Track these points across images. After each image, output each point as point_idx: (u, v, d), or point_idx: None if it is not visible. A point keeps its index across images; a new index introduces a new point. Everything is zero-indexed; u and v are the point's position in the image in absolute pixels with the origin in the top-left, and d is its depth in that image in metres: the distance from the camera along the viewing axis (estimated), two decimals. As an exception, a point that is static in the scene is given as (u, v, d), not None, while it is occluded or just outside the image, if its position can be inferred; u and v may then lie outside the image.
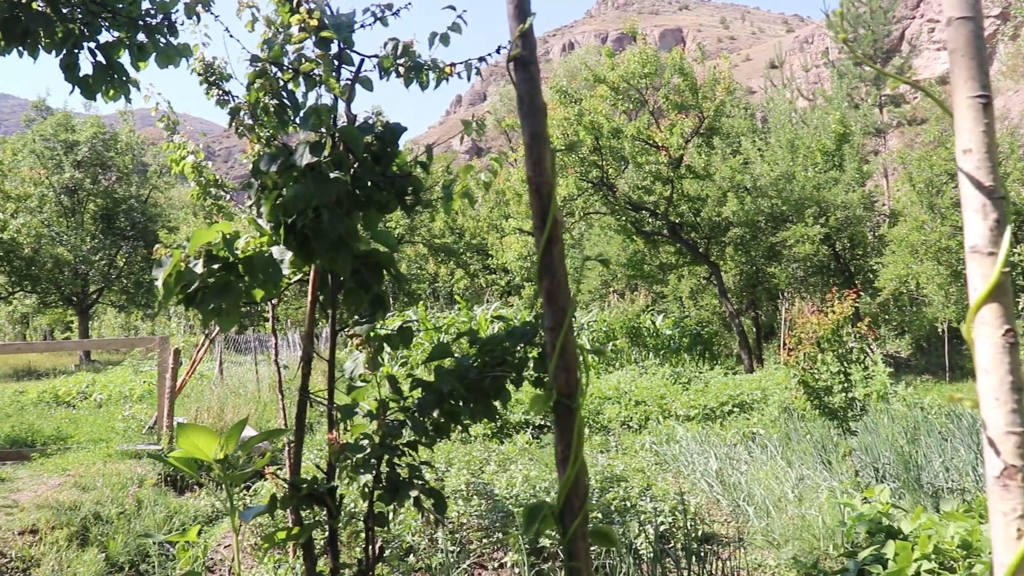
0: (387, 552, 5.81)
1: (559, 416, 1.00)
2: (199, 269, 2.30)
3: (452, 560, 6.14)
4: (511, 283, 36.72)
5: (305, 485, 2.51)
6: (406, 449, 2.38)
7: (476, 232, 39.78)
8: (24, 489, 8.02)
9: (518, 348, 2.60)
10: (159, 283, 2.32)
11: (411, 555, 6.25)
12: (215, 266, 2.31)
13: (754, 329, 23.66)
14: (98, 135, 35.10)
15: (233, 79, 7.65)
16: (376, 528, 2.43)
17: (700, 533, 6.85)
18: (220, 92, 7.41)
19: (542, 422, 12.12)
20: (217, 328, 12.52)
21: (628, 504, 7.28)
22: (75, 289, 34.11)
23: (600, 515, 6.92)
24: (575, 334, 2.80)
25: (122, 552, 6.49)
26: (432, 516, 2.34)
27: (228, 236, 2.30)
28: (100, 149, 35.01)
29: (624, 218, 21.75)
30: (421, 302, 26.83)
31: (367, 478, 2.34)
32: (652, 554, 6.16)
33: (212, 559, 6.60)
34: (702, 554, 5.96)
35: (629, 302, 23.65)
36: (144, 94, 6.10)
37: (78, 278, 33.71)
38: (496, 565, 6.44)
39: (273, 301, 5.97)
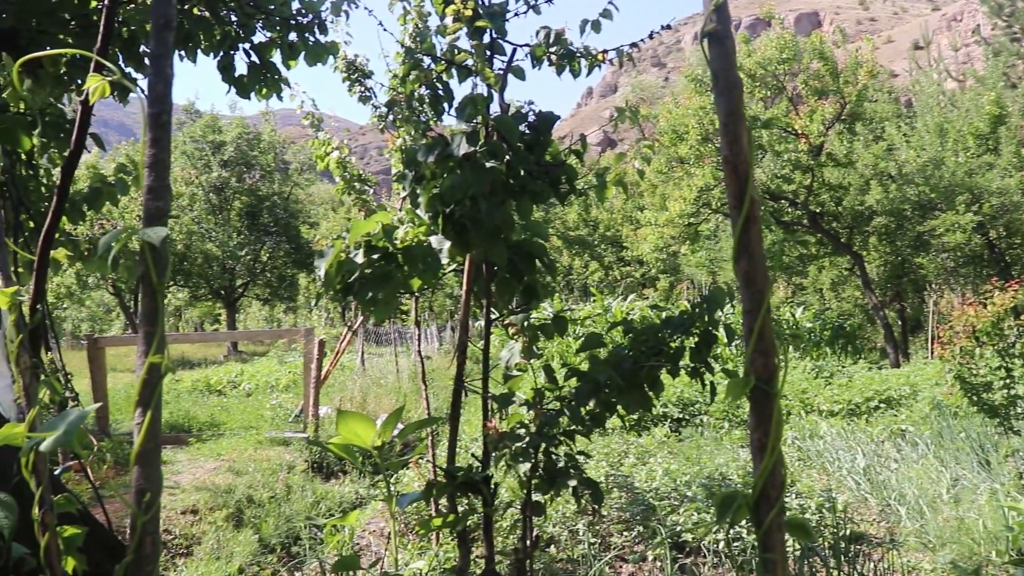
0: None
1: (756, 402, 0.96)
2: (359, 259, 2.35)
3: (593, 552, 6.12)
4: (646, 275, 36.42)
5: (461, 473, 2.54)
6: (563, 439, 2.37)
7: (610, 224, 39.57)
8: (183, 472, 8.41)
9: (674, 338, 2.56)
10: (321, 272, 2.37)
11: (552, 546, 6.27)
12: (374, 256, 2.35)
13: (899, 322, 22.77)
14: (242, 135, 36.53)
15: (374, 75, 7.80)
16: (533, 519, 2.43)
17: (848, 532, 6.62)
18: (362, 88, 7.57)
19: (680, 415, 11.97)
20: (359, 320, 12.86)
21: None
22: (223, 283, 35.61)
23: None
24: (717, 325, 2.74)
25: (273, 534, 6.73)
26: (589, 506, 2.33)
27: (387, 227, 2.34)
28: (244, 149, 36.43)
29: (762, 208, 21.24)
30: (556, 295, 26.88)
31: (526, 467, 2.34)
32: (798, 552, 6.00)
33: (358, 543, 6.77)
34: (851, 554, 5.76)
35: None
36: (290, 93, 6.27)
37: (226, 273, 35.19)
38: (637, 558, 6.39)
39: (416, 294, 6.08)
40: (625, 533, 6.69)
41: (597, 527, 6.71)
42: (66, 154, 2.12)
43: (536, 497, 2.43)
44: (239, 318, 48.00)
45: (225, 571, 5.74)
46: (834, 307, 24.40)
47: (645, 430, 11.34)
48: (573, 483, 2.35)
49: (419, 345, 6.26)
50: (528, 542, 2.41)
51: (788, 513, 6.24)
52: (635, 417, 11.73)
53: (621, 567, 6.26)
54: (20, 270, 3.32)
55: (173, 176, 35.68)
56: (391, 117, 6.58)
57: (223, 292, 36.40)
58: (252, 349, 33.65)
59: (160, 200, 1.05)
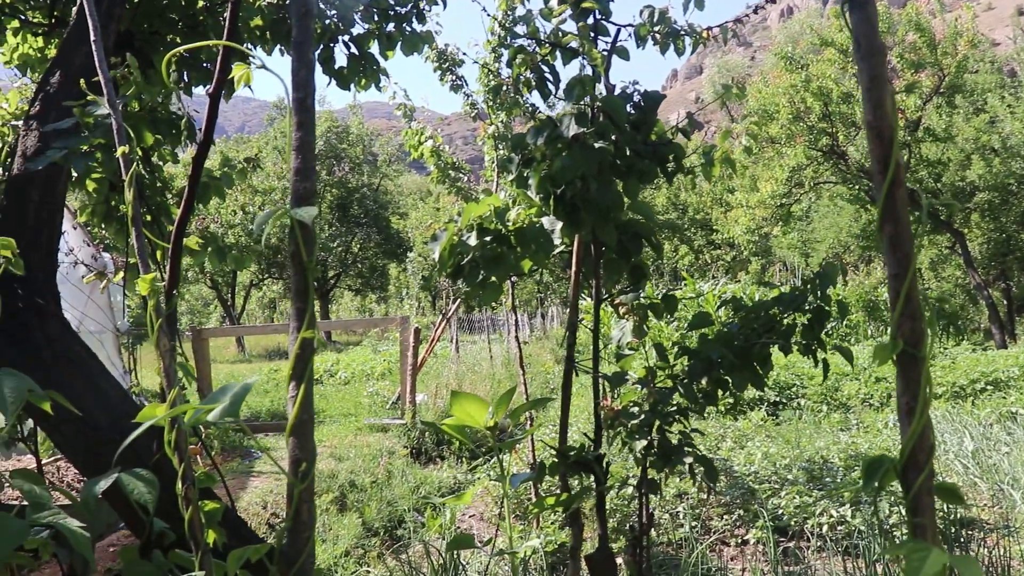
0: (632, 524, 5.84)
1: (904, 366, 0.96)
2: (472, 241, 2.39)
3: (694, 535, 6.09)
4: (737, 258, 35.90)
5: (573, 452, 2.56)
6: (678, 416, 2.38)
7: (699, 207, 39.13)
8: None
9: (786, 314, 2.54)
10: (436, 255, 2.42)
11: (652, 529, 6.26)
12: (487, 238, 2.39)
13: (1005, 301, 21.98)
14: (331, 128, 37.15)
15: (464, 64, 7.86)
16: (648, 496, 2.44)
17: (958, 516, 6.46)
18: (454, 77, 7.63)
19: (776, 398, 11.80)
20: (453, 308, 13.00)
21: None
22: (316, 274, 36.23)
23: (846, 493, 6.66)
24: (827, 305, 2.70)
25: (376, 518, 6.87)
26: (704, 484, 2.33)
27: (499, 209, 2.37)
28: (334, 142, 37.05)
29: (857, 187, 20.72)
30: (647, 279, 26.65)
31: (642, 444, 2.36)
32: (904, 536, 5.86)
33: (459, 527, 6.86)
34: (963, 539, 5.61)
35: (864, 275, 22.55)
36: (383, 85, 6.37)
37: (318, 264, 35.88)
38: (738, 542, 6.34)
39: (512, 280, 6.13)
40: (725, 517, 6.64)
41: (697, 511, 6.68)
42: (194, 145, 2.21)
43: (652, 474, 2.44)
44: (332, 309, 48.94)
45: (332, 553, 5.89)
46: (934, 287, 23.70)
47: (741, 414, 11.22)
48: (689, 460, 2.35)
49: (516, 331, 6.30)
50: (644, 520, 2.43)
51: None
52: (731, 401, 11.62)
53: (723, 550, 6.22)
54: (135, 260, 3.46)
55: (266, 171, 36.51)
56: (487, 103, 6.62)
57: (316, 283, 37.06)
58: (346, 339, 34.29)
59: (307, 181, 1.09)
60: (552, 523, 6.18)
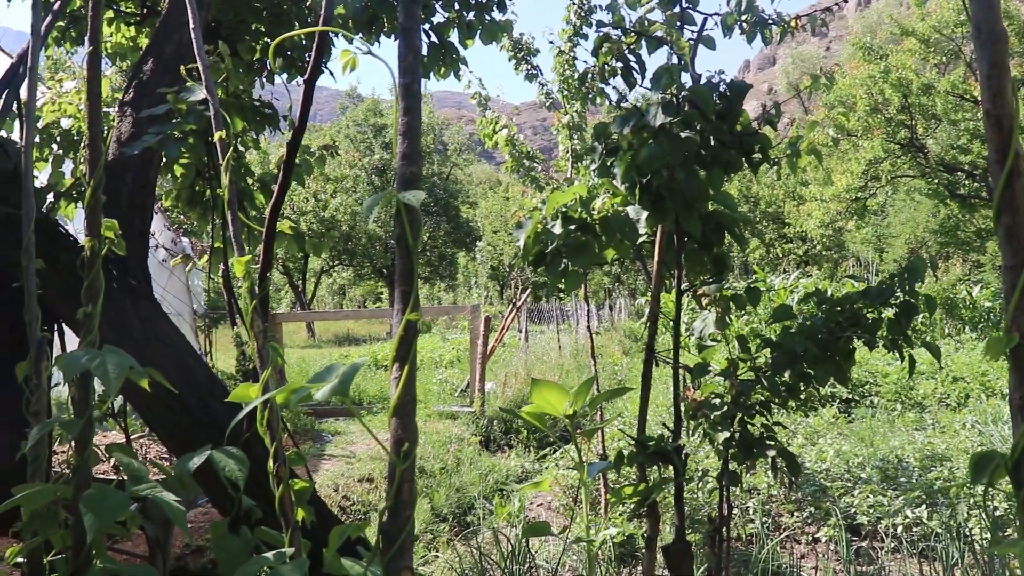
0: (697, 517, 5.81)
1: (1018, 361, 0.94)
2: (557, 230, 2.39)
3: (765, 531, 6.03)
4: (809, 252, 35.33)
5: (652, 443, 2.56)
6: (760, 409, 2.36)
7: (771, 200, 38.58)
8: (357, 442, 8.77)
9: (872, 308, 2.50)
10: (520, 244, 2.44)
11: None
12: (571, 227, 2.39)
13: (1090, 301, 21.25)
14: (403, 118, 37.40)
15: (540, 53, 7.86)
16: (730, 488, 2.43)
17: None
18: (528, 66, 7.63)
19: (850, 396, 11.59)
20: (523, 297, 13.03)
21: (954, 484, 6.79)
22: (386, 262, 36.68)
23: (923, 494, 6.53)
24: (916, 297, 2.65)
25: (445, 504, 6.94)
26: (785, 478, 2.31)
27: (585, 198, 2.38)
28: (405, 131, 37.30)
29: (936, 180, 20.23)
30: (729, 270, 26.35)
31: (724, 435, 2.35)
32: (988, 540, 5.73)
33: (527, 515, 6.89)
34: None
35: (943, 271, 22.01)
36: (460, 73, 6.41)
37: (388, 252, 36.22)
38: (810, 539, 6.26)
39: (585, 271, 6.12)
40: (796, 514, 6.56)
41: (768, 507, 6.61)
42: (289, 133, 2.26)
43: (733, 467, 2.43)
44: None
45: (402, 537, 5.96)
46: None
47: (813, 411, 11.05)
48: (772, 453, 2.33)
49: (588, 320, 6.30)
50: (724, 512, 2.42)
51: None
52: (802, 397, 11.45)
53: (793, 548, 6.15)
54: (219, 245, 3.53)
55: (338, 159, 36.94)
56: (561, 93, 6.61)
57: (385, 271, 37.49)
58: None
59: (414, 165, 1.11)
60: (621, 515, 6.17)
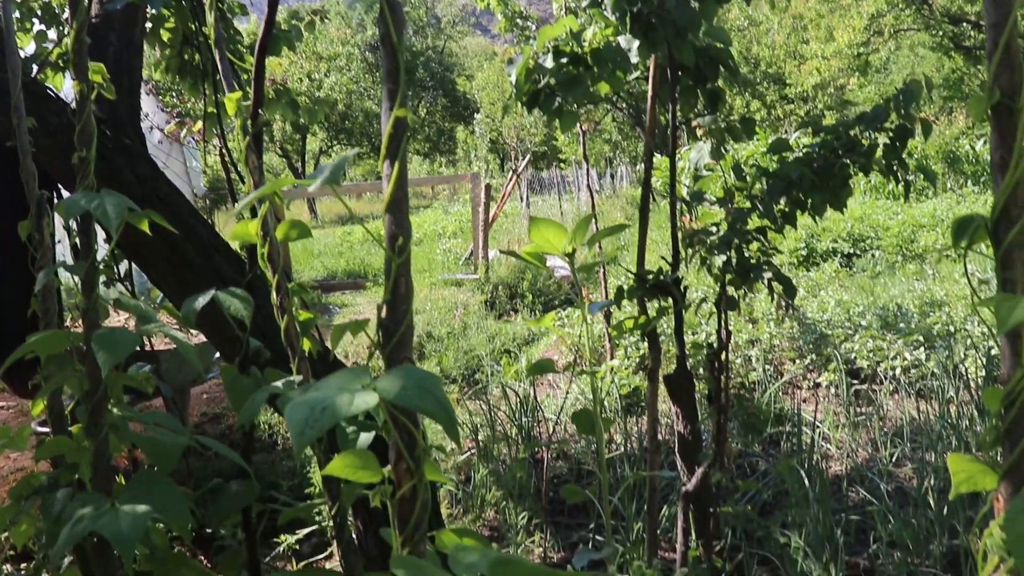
0: (699, 357, 5.92)
1: (999, 118, 0.95)
2: (549, 63, 2.37)
3: (767, 378, 6.16)
4: (811, 112, 34.88)
5: (651, 276, 2.59)
6: (756, 235, 2.39)
7: (772, 61, 37.82)
8: (364, 312, 8.89)
9: (867, 134, 2.50)
10: (512, 79, 2.42)
11: (725, 371, 6.34)
12: (563, 60, 2.37)
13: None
14: (394, -10, 36.48)
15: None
16: (728, 313, 2.48)
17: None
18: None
19: (851, 251, 11.65)
20: (523, 164, 12.97)
21: (952, 329, 6.90)
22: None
23: (921, 338, 6.63)
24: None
25: (454, 366, 7.07)
26: (783, 302, 2.34)
27: (574, 31, 2.35)
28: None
29: (940, 33, 19.80)
30: (724, 103, 26.07)
31: (721, 259, 2.38)
32: (983, 377, 5.86)
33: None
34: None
35: (946, 125, 21.77)
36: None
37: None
38: (811, 385, 6.40)
39: (583, 129, 6.08)
40: (798, 361, 6.69)
41: (770, 356, 6.73)
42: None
43: (731, 292, 2.47)
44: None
45: (413, 398, 6.09)
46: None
47: (815, 265, 11.14)
48: (768, 275, 2.37)
49: (587, 180, 6.30)
50: (722, 336, 2.47)
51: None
52: (803, 253, 11.52)
53: (795, 393, 6.29)
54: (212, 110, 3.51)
55: (329, 37, 36.18)
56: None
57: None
58: (416, 203, 34.53)
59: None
60: (626, 368, 6.29)
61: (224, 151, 2.95)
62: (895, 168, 2.54)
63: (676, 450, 2.55)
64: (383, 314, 1.12)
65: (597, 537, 3.79)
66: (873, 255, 11.40)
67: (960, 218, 1.01)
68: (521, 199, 17.68)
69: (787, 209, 2.44)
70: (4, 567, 3.59)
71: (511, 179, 12.68)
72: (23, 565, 3.66)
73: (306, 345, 1.90)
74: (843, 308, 7.69)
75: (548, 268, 10.20)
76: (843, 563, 3.51)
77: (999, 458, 1.03)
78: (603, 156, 37.12)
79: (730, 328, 2.41)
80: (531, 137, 28.79)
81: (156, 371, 4.19)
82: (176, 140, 10.87)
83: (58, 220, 2.68)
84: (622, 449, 4.80)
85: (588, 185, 6.07)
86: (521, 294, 9.44)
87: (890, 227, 12.27)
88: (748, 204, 2.45)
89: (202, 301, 2.01)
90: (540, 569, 1.09)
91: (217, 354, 4.91)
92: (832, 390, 6.16)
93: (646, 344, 2.63)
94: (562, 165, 31.10)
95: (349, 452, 1.27)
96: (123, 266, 3.43)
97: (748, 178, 2.45)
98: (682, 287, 2.58)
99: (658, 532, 3.47)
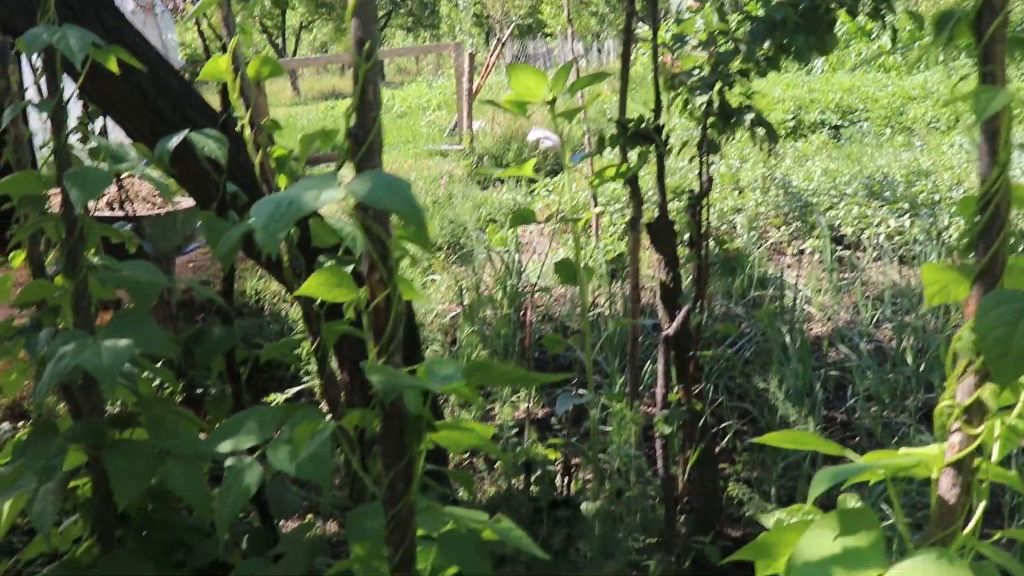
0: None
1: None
2: None
3: (751, 244, 6.18)
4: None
5: (632, 123, 2.56)
6: (738, 77, 2.35)
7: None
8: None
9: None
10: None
11: (708, 232, 6.35)
12: None
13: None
14: None
15: None
16: (709, 156, 2.46)
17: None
18: None
19: (839, 122, 11.56)
20: (507, 33, 12.69)
21: (937, 197, 6.91)
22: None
23: (906, 205, 6.65)
24: None
25: (439, 235, 7.06)
26: (766, 147, 2.32)
27: None
28: None
29: None
30: None
31: (703, 99, 2.35)
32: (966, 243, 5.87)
33: (520, 241, 7.00)
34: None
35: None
36: None
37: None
38: (795, 251, 6.44)
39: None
40: (783, 228, 6.71)
41: (755, 223, 6.74)
42: None
43: (712, 135, 2.45)
44: (383, 51, 47.96)
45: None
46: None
47: (803, 137, 11.05)
48: (750, 116, 2.34)
49: (572, 44, 6.17)
50: (703, 181, 2.46)
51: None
52: (791, 124, 11.41)
53: (779, 260, 6.33)
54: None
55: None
56: None
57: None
58: (400, 78, 33.91)
59: None
60: (612, 235, 6.31)
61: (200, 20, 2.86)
62: (882, 10, 2.49)
63: (659, 297, 2.57)
64: (351, 122, 1.10)
65: (580, 391, 3.86)
66: (861, 127, 11.30)
67: (941, 12, 0.99)
68: (504, 72, 17.38)
69: (771, 53, 2.39)
70: (3, 424, 3.65)
71: (495, 49, 12.41)
72: (21, 423, 3.71)
73: (282, 182, 1.88)
74: (829, 177, 7.67)
75: (533, 141, 10.10)
76: (821, 416, 3.59)
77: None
78: (590, 31, 36.34)
79: (711, 174, 2.39)
80: (516, 9, 28.05)
81: (136, 227, 4.18)
82: (150, 10, 10.57)
83: (25, 68, 2.62)
84: (607, 311, 4.85)
85: (572, 49, 5.95)
86: (506, 165, 9.37)
87: (879, 99, 12.14)
88: (732, 47, 2.40)
89: (175, 140, 1.98)
90: (514, 370, 1.10)
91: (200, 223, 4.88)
92: (816, 256, 6.19)
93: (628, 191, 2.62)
94: (548, 38, 30.44)
95: (324, 270, 1.27)
96: (99, 124, 3.37)
97: (730, 21, 2.40)
98: (663, 135, 2.56)
99: (640, 388, 3.54)
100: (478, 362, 1.09)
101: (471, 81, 9.84)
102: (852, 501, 1.35)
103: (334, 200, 0.98)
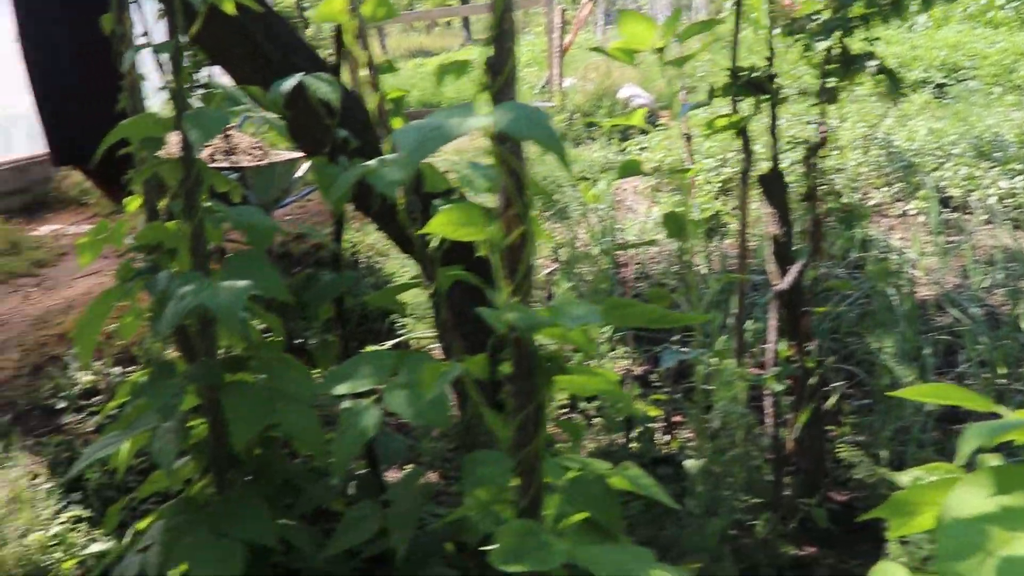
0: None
1: None
2: None
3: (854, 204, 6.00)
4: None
5: (744, 72, 2.48)
6: (860, 22, 2.24)
7: None
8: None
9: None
10: None
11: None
12: None
13: None
14: None
15: None
16: (827, 105, 2.37)
17: None
18: None
19: (944, 79, 11.11)
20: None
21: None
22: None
23: (1019, 166, 6.37)
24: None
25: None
26: (890, 96, 2.22)
27: None
28: None
29: None
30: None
31: (823, 45, 2.25)
32: None
33: (615, 197, 6.89)
34: None
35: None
36: None
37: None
38: (898, 213, 6.23)
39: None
40: (884, 189, 6.49)
41: (855, 183, 6.54)
42: None
43: (831, 84, 2.35)
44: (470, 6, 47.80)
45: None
46: None
47: (903, 97, 10.64)
48: (873, 64, 2.24)
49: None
50: (821, 135, 2.38)
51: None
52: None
53: (881, 221, 6.13)
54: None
55: None
56: None
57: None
58: (486, 35, 33.69)
59: None
60: (707, 193, 6.18)
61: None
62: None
63: (770, 252, 2.50)
64: (490, 52, 1.07)
65: (681, 348, 3.80)
66: (968, 85, 10.83)
67: None
68: (598, 26, 17.16)
69: (896, -2, 2.28)
70: (113, 369, 3.75)
71: (585, 5, 12.22)
72: (132, 367, 3.80)
73: (397, 125, 1.86)
74: (935, 136, 7.38)
75: (624, 98, 9.94)
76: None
77: None
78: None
79: (825, 136, 2.30)
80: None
81: (241, 177, 4.24)
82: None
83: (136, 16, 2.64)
84: (705, 270, 4.76)
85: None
86: (597, 125, 9.24)
87: (988, 55, 11.61)
88: (855, -10, 2.29)
89: (290, 84, 1.98)
90: (653, 310, 1.07)
91: (299, 172, 4.94)
92: (921, 218, 5.98)
93: (740, 143, 2.54)
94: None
95: (452, 206, 1.25)
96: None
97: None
98: (777, 85, 2.47)
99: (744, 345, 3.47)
100: (615, 300, 1.06)
101: (561, 38, 9.72)
102: (995, 461, 1.28)
103: (478, 128, 0.95)
